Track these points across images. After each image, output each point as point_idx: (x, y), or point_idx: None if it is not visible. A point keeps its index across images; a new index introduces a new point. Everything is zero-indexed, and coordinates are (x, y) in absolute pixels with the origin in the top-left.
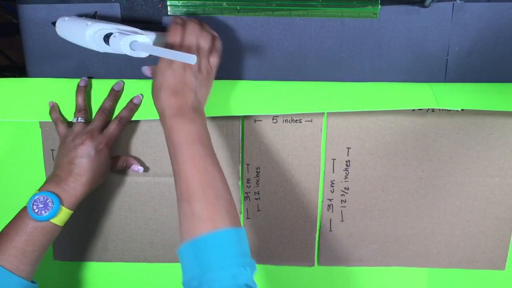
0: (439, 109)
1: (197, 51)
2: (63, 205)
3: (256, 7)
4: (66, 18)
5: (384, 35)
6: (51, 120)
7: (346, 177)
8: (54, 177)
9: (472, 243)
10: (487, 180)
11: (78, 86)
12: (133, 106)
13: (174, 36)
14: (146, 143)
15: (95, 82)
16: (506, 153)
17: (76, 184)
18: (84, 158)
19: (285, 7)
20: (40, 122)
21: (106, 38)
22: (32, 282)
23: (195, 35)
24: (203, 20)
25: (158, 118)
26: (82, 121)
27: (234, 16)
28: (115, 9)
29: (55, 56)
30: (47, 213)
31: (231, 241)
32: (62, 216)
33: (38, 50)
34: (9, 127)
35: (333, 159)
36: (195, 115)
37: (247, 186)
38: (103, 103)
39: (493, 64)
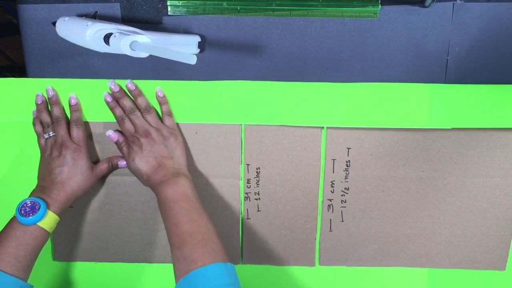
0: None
1: (151, 126)
2: (49, 209)
3: (256, 7)
4: (66, 18)
5: (384, 35)
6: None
7: (346, 177)
8: (38, 188)
9: (473, 243)
10: (487, 181)
11: (38, 105)
12: (76, 107)
13: (129, 129)
14: None
15: (95, 82)
16: (507, 153)
17: (59, 191)
18: (64, 166)
19: (285, 7)
20: None
21: (106, 38)
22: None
23: (138, 119)
24: (203, 20)
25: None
26: (53, 134)
27: (234, 16)
28: (115, 9)
29: (55, 56)
30: (34, 216)
31: (220, 273)
32: (48, 220)
33: (38, 50)
34: (9, 127)
35: (333, 160)
36: (178, 179)
37: (247, 186)
38: (51, 114)
39: (493, 64)
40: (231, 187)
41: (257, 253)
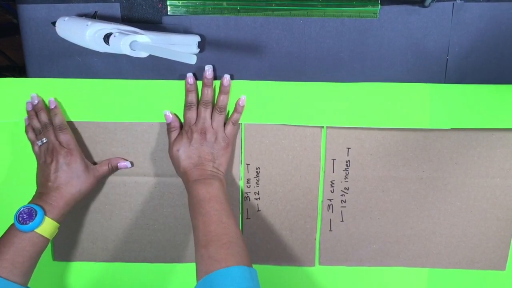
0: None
1: (211, 126)
2: (46, 215)
3: (256, 7)
4: (66, 18)
5: (384, 35)
6: None
7: (346, 177)
8: (37, 194)
9: (473, 243)
10: (488, 181)
11: (28, 111)
12: (56, 110)
13: (190, 118)
14: (146, 143)
15: (95, 82)
16: (507, 153)
17: (57, 197)
18: (58, 172)
19: (285, 7)
20: None
21: (106, 38)
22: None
23: (205, 113)
24: (203, 20)
25: (161, 121)
26: (45, 141)
27: (234, 16)
28: (115, 9)
29: (55, 56)
30: (31, 222)
31: (243, 277)
32: (47, 226)
33: (38, 50)
34: (9, 127)
35: (333, 159)
36: (213, 181)
37: (247, 186)
38: (39, 121)
39: (493, 64)
40: (231, 187)
41: (257, 253)
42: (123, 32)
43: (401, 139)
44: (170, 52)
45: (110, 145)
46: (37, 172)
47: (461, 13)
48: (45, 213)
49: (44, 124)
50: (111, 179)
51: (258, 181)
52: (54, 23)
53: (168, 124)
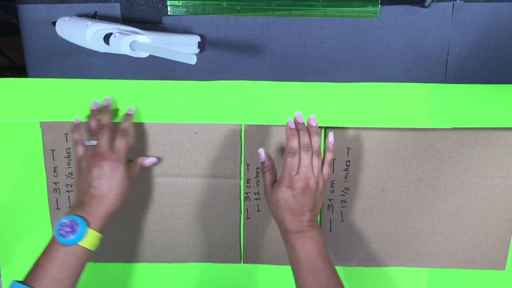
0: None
1: (311, 171)
2: (89, 227)
3: (256, 7)
4: (66, 18)
5: (384, 35)
6: (51, 121)
7: (346, 177)
8: (78, 203)
9: (472, 243)
10: (487, 180)
11: (92, 110)
12: (129, 117)
13: (292, 167)
14: (146, 143)
15: (95, 82)
16: (506, 153)
17: (99, 206)
18: (102, 179)
19: (285, 7)
20: (40, 123)
21: (106, 38)
22: None
23: (307, 159)
24: (203, 20)
25: (161, 121)
26: (95, 143)
27: (234, 16)
28: (115, 9)
29: (55, 56)
30: (74, 235)
31: None
32: (90, 238)
33: (38, 50)
34: (9, 127)
35: (333, 159)
36: (314, 232)
37: (247, 186)
38: (97, 121)
39: (493, 64)
40: (231, 187)
41: (257, 253)
42: (123, 32)
43: (401, 139)
44: (170, 52)
45: None
46: (78, 177)
47: (461, 13)
48: (87, 225)
49: (101, 126)
50: None
51: (258, 181)
52: (54, 23)
53: (262, 163)
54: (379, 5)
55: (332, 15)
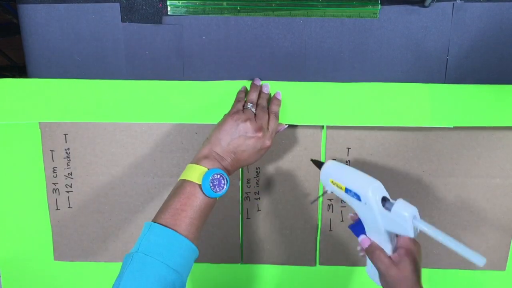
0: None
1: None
2: None
3: (256, 7)
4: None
5: (384, 35)
6: (50, 121)
7: None
8: (216, 155)
9: (473, 243)
10: (488, 181)
11: (256, 86)
12: (278, 101)
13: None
14: (146, 144)
15: (95, 83)
16: (507, 154)
17: (233, 162)
18: (250, 151)
19: (285, 7)
20: (39, 123)
21: (383, 200)
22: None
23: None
24: (203, 20)
25: (161, 121)
26: (254, 110)
27: (234, 16)
28: (115, 9)
29: (55, 56)
30: (222, 190)
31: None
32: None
33: (38, 50)
34: (9, 127)
35: (333, 159)
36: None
37: (247, 186)
38: (258, 100)
39: (493, 64)
40: (231, 187)
41: (257, 253)
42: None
43: (401, 139)
44: (457, 245)
45: (109, 145)
46: (223, 125)
47: (461, 13)
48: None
49: (262, 105)
50: (111, 179)
51: (258, 181)
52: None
53: (366, 250)
54: (379, 5)
55: (332, 15)
